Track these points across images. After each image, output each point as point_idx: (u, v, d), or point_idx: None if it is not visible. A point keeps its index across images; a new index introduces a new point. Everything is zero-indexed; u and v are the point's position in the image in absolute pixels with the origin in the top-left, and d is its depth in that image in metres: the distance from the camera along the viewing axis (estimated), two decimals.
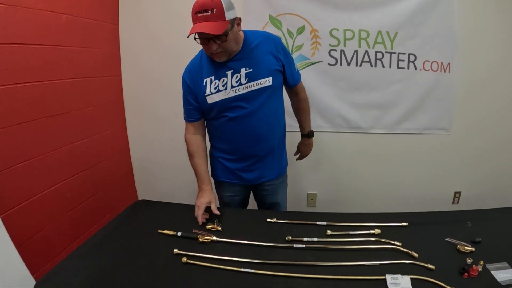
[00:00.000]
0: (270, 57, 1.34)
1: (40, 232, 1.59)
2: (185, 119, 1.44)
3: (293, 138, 1.72)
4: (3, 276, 1.18)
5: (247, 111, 1.33)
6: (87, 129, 1.96)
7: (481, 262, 0.98)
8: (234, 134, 1.38)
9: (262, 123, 1.37)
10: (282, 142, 1.55)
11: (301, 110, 1.60)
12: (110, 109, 2.22)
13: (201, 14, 1.13)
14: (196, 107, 1.38)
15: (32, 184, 1.56)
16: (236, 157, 1.45)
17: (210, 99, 1.32)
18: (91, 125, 2.00)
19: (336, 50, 2.12)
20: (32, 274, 1.32)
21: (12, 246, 1.26)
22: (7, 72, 1.39)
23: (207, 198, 1.34)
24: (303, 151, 1.72)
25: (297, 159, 1.78)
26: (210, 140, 1.52)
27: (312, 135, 1.67)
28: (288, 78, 1.43)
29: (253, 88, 1.31)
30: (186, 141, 1.44)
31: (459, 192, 2.46)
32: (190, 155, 1.43)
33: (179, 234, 1.21)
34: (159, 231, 1.24)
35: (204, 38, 1.19)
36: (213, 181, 1.56)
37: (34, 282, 1.02)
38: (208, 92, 1.32)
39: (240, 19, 1.25)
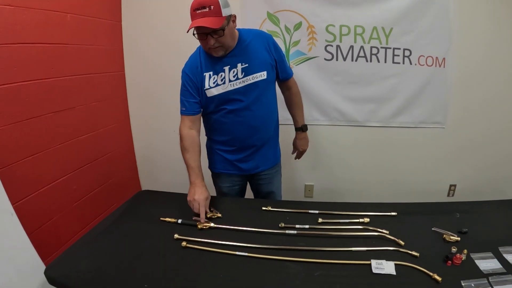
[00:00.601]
0: (263, 52, 1.40)
1: (49, 222, 1.67)
2: (182, 112, 1.42)
3: (289, 131, 1.74)
4: (16, 261, 1.25)
5: (245, 104, 1.40)
6: (92, 123, 2.02)
7: (465, 251, 1.01)
8: (233, 126, 1.44)
9: (259, 115, 1.44)
10: (276, 133, 1.62)
11: (294, 104, 1.64)
12: (114, 104, 2.28)
13: (199, 11, 1.19)
14: (197, 100, 1.41)
15: (41, 176, 1.62)
16: (235, 148, 1.50)
17: (209, 93, 1.38)
18: (96, 119, 2.06)
19: (332, 46, 2.14)
20: (43, 260, 1.38)
21: (24, 233, 1.32)
22: (16, 70, 1.45)
23: (206, 194, 1.33)
24: (299, 146, 1.71)
25: (295, 158, 1.77)
26: (207, 134, 1.57)
27: (306, 129, 1.68)
28: (281, 73, 1.50)
29: (249, 82, 1.37)
30: (180, 134, 1.42)
31: (454, 185, 2.48)
32: (184, 149, 1.41)
33: (179, 221, 1.28)
34: (161, 218, 1.30)
35: (203, 33, 1.25)
36: (210, 173, 1.62)
37: (44, 267, 1.08)
38: (207, 86, 1.38)
39: (235, 16, 1.31)
